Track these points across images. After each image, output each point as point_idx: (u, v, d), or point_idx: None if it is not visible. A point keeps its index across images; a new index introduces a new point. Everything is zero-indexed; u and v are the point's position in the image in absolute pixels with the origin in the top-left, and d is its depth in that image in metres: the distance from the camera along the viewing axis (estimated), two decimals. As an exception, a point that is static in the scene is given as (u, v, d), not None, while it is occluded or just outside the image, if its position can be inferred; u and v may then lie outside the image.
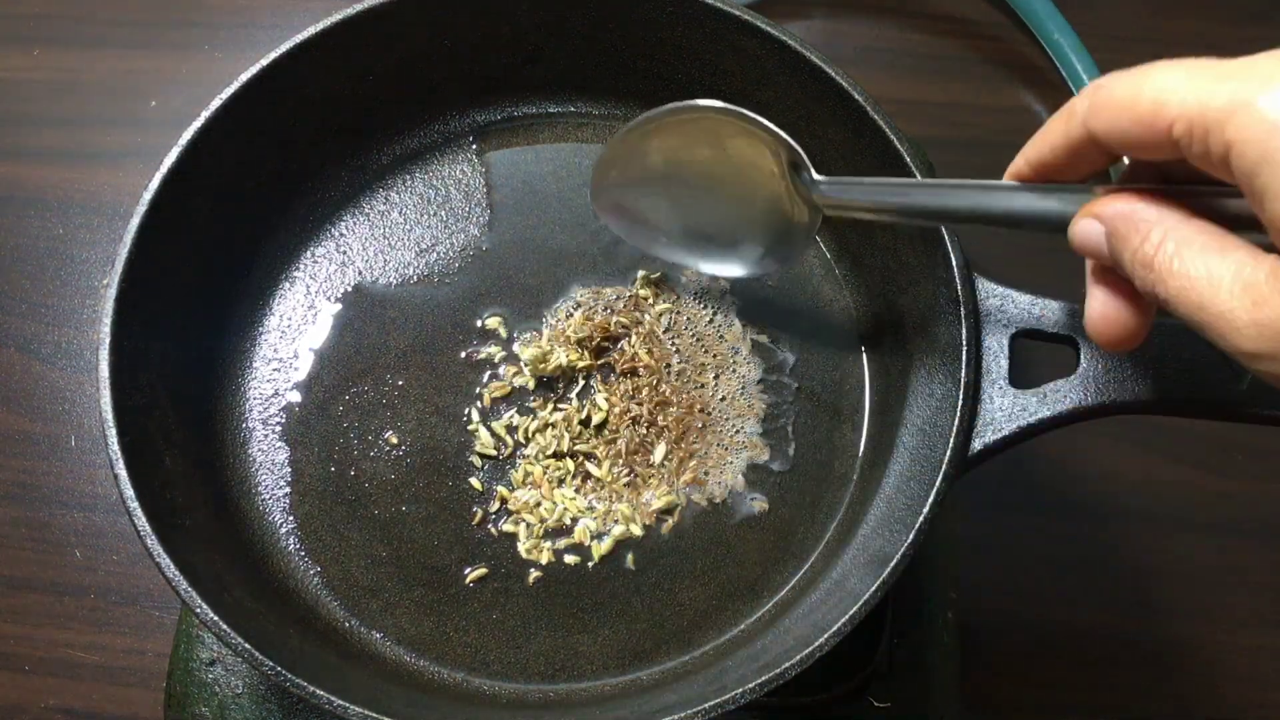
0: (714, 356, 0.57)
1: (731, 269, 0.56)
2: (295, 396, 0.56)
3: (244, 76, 0.53)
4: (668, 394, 0.56)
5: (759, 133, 0.49)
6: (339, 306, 0.58)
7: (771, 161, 0.50)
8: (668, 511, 0.54)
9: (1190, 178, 0.35)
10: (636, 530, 0.53)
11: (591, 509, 0.54)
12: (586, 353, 0.56)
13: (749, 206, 0.53)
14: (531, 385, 0.56)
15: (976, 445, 0.47)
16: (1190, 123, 0.32)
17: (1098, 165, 0.38)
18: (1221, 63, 0.33)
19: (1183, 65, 0.33)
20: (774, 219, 0.52)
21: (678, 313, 0.58)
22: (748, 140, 0.50)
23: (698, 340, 0.57)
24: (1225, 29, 0.76)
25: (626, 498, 0.54)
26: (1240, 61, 0.32)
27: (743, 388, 0.56)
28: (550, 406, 0.55)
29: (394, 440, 0.55)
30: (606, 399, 0.55)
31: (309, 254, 0.59)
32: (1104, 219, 0.37)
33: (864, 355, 0.58)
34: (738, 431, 0.56)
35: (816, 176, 0.49)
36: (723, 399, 0.56)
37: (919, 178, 0.47)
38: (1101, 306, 0.39)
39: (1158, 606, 0.63)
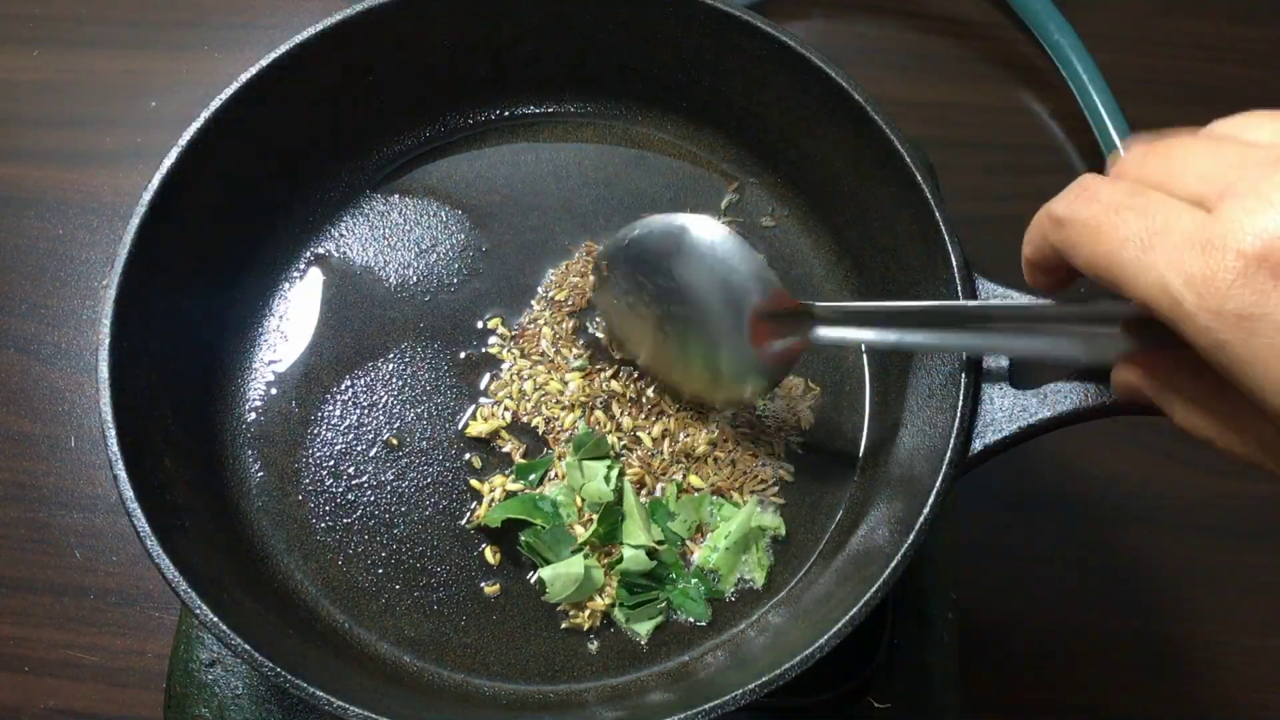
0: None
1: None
2: (294, 397, 0.56)
3: (244, 77, 0.53)
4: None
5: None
6: (338, 308, 0.58)
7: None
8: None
9: None
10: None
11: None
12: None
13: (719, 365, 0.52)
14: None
15: (977, 445, 0.47)
16: (1145, 308, 0.33)
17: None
18: (1166, 229, 0.32)
19: (1132, 234, 0.33)
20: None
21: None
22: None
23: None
24: (1225, 29, 0.77)
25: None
26: (1186, 228, 0.32)
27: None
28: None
29: (393, 441, 0.55)
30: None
31: (309, 254, 0.59)
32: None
33: (864, 356, 0.57)
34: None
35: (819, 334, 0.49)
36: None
37: (921, 304, 0.46)
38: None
39: (1158, 606, 0.63)
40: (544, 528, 0.52)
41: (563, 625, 0.52)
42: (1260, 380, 0.31)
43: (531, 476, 0.54)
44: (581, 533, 0.52)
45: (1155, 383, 0.39)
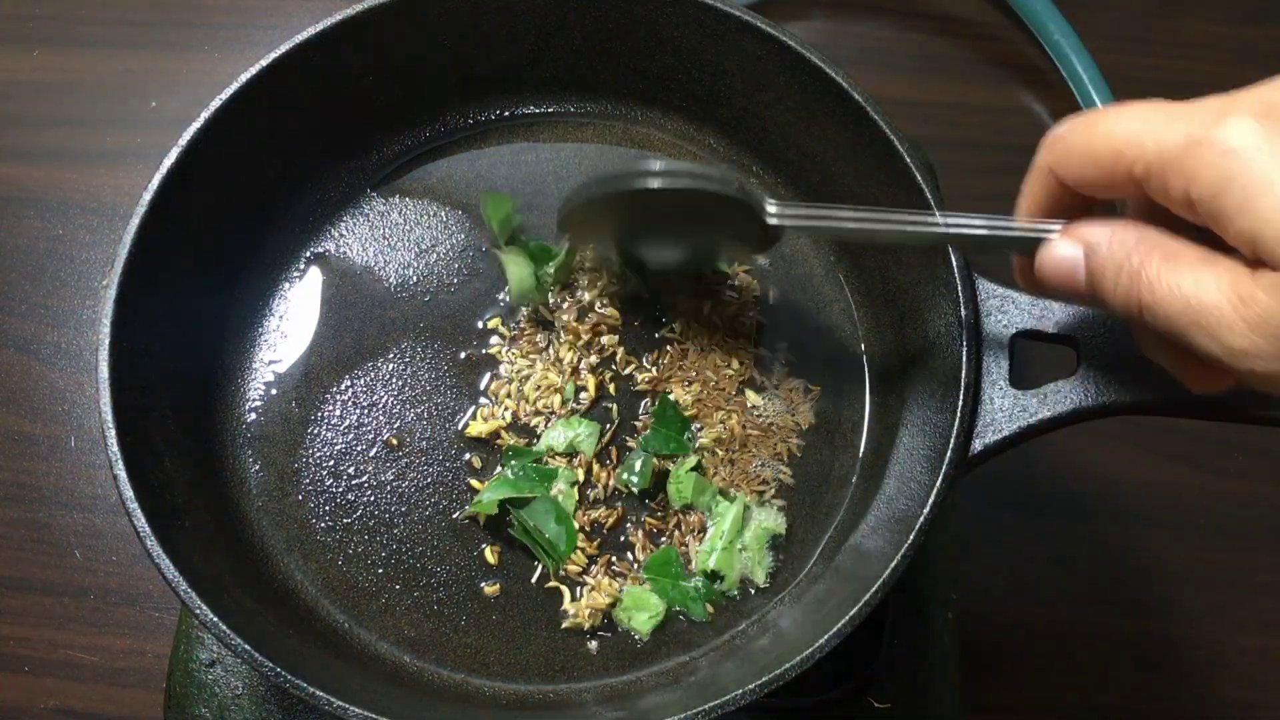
0: (713, 360, 0.57)
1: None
2: (294, 397, 0.56)
3: (244, 77, 0.53)
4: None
5: (709, 191, 0.48)
6: (338, 307, 0.58)
7: (725, 208, 0.48)
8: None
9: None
10: None
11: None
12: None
13: (708, 240, 0.53)
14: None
15: (977, 446, 0.47)
16: (1148, 164, 0.35)
17: (1076, 209, 0.40)
18: (1172, 105, 0.35)
19: (1135, 110, 0.36)
20: (735, 242, 0.53)
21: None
22: (699, 197, 0.48)
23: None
24: (1225, 29, 0.76)
25: None
26: (1190, 103, 0.35)
27: (741, 391, 0.56)
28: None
29: (393, 441, 0.55)
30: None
31: (309, 254, 0.59)
32: (1085, 240, 0.38)
33: (864, 356, 0.57)
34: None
35: (770, 220, 0.47)
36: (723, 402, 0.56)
37: (876, 211, 0.45)
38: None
39: (1157, 606, 0.63)
40: (534, 497, 0.52)
41: (563, 625, 0.52)
42: (1267, 179, 0.32)
43: (516, 461, 0.54)
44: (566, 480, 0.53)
45: (1106, 250, 0.38)
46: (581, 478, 0.54)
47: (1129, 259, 0.37)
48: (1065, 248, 0.39)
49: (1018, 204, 0.42)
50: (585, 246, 0.57)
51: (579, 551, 0.53)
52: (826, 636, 0.43)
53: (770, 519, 0.54)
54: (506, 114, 0.62)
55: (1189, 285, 0.35)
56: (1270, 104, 0.34)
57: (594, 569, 0.53)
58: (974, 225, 0.43)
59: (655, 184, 0.47)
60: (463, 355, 0.57)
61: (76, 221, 0.70)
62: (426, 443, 0.55)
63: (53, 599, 0.61)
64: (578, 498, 0.54)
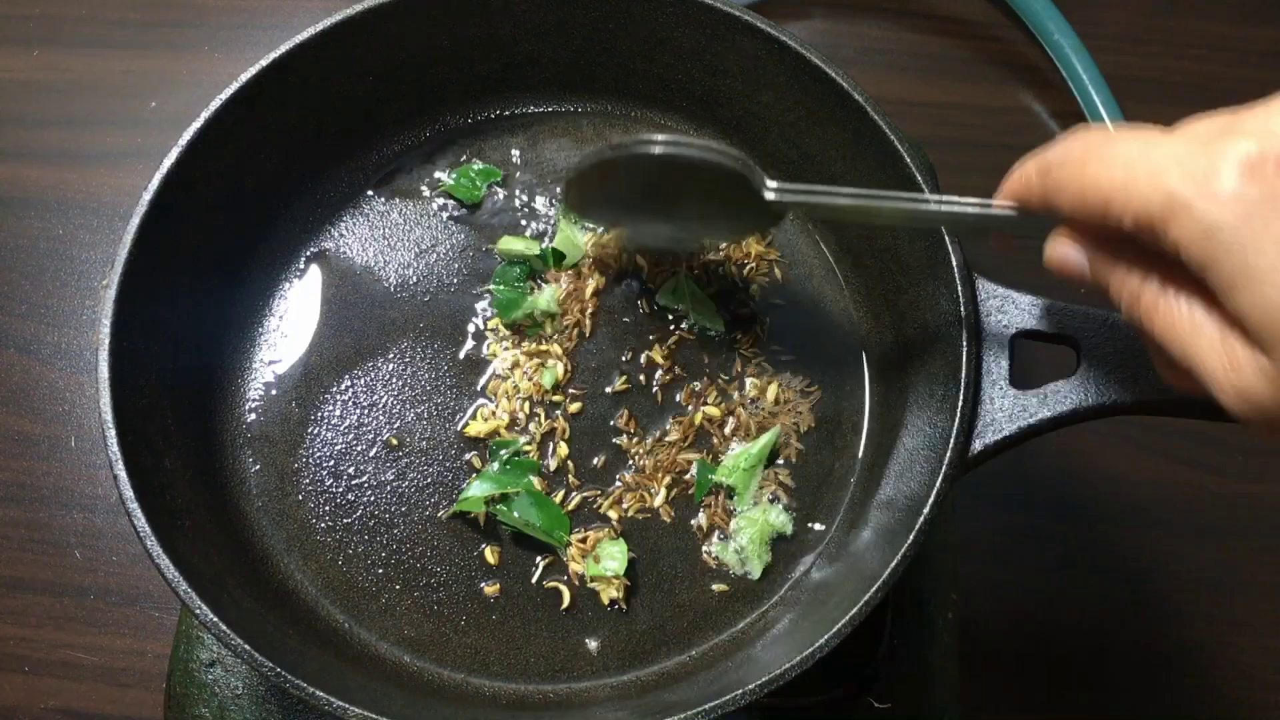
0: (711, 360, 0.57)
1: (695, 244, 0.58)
2: (294, 398, 0.56)
3: (243, 77, 0.53)
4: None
5: (711, 162, 0.47)
6: (338, 307, 0.58)
7: (726, 183, 0.48)
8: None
9: None
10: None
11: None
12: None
13: (708, 216, 0.53)
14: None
15: (977, 446, 0.47)
16: (1135, 220, 0.34)
17: None
18: (1163, 139, 0.34)
19: (1123, 147, 0.35)
20: (735, 221, 0.53)
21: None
22: (701, 170, 0.48)
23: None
24: (1225, 29, 0.77)
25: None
26: (1185, 132, 0.34)
27: (742, 390, 0.56)
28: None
29: (393, 441, 0.55)
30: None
31: (309, 254, 0.59)
32: (1086, 246, 0.39)
33: (864, 356, 0.57)
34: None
35: (769, 195, 0.47)
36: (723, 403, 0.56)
37: (868, 191, 0.46)
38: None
39: (1157, 607, 0.63)
40: (518, 493, 0.53)
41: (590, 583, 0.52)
42: (1247, 268, 0.32)
43: (504, 452, 0.54)
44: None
45: (1098, 254, 0.38)
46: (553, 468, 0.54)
47: (1129, 278, 0.37)
48: (1070, 252, 0.39)
49: (1001, 187, 0.42)
50: (586, 219, 0.58)
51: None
52: (826, 636, 0.43)
53: (777, 518, 0.54)
54: (506, 114, 0.62)
55: (1186, 328, 0.35)
56: (1267, 139, 0.32)
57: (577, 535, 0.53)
58: (968, 206, 0.43)
59: (657, 151, 0.47)
60: (462, 355, 0.57)
61: (76, 221, 0.70)
62: (426, 443, 0.55)
63: (53, 599, 0.61)
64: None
